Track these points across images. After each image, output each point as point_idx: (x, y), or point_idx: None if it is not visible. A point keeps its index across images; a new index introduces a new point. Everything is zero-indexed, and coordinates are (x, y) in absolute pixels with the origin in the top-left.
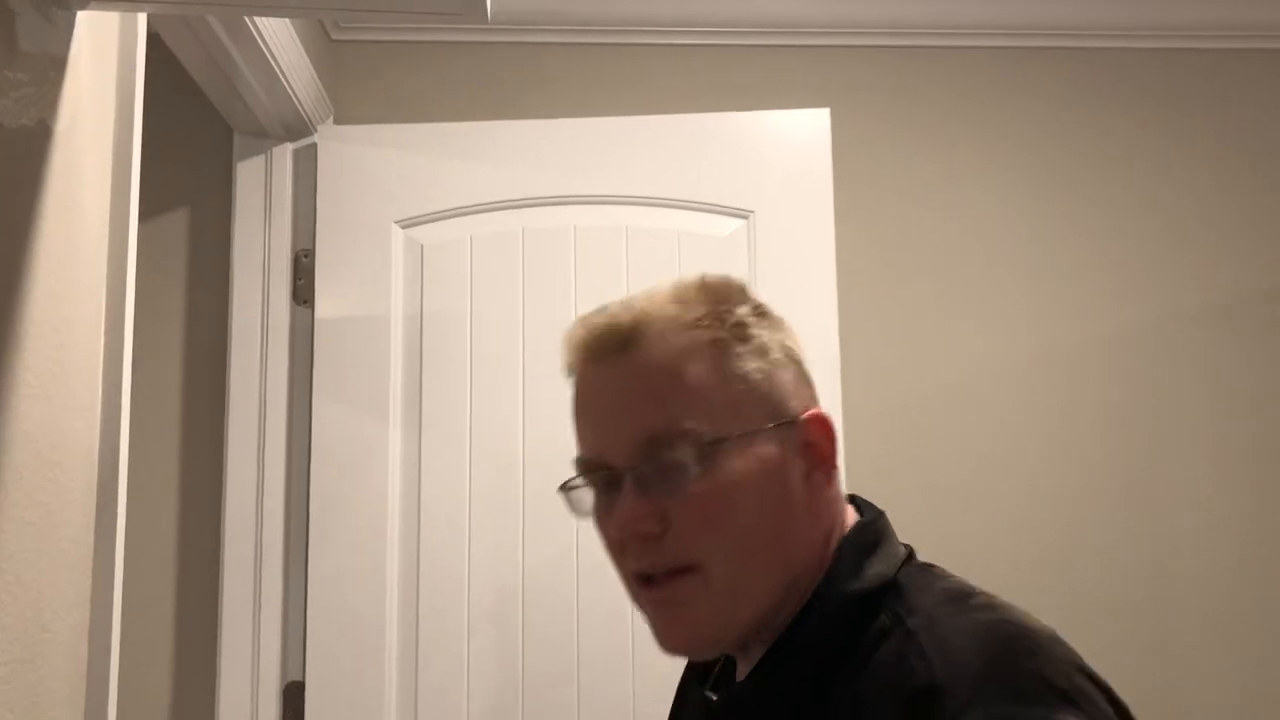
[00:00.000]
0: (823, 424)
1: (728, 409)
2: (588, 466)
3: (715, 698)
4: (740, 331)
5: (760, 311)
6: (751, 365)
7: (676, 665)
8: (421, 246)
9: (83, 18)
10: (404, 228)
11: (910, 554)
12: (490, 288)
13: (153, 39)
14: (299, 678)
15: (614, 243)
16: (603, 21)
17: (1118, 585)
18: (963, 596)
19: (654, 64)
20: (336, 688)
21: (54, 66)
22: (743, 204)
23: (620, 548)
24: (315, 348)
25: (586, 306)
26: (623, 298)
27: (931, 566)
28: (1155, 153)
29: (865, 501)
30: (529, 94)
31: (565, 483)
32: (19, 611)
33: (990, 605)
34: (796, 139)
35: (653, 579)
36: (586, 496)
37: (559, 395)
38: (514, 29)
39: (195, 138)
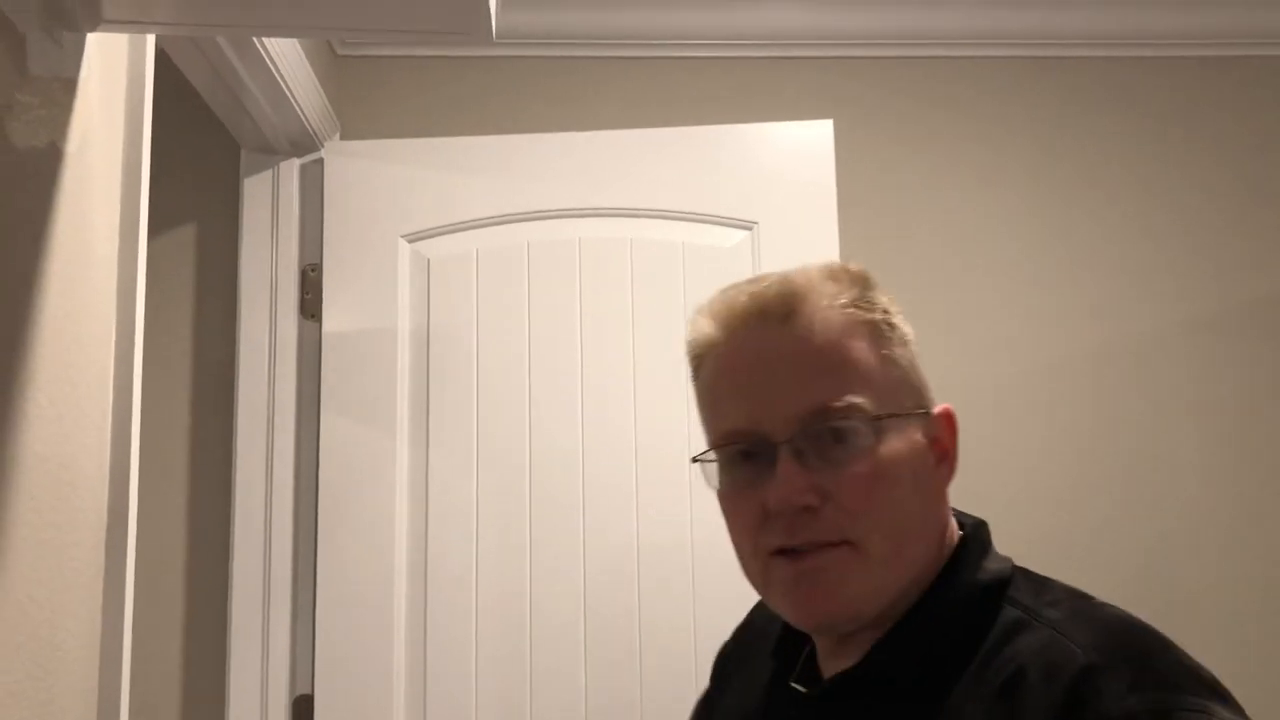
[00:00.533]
0: (950, 421)
1: (887, 389)
2: (732, 437)
3: (805, 689)
4: (888, 318)
5: (894, 303)
6: (899, 351)
7: (683, 672)
8: (428, 260)
9: (92, 40)
10: (410, 242)
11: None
12: (496, 300)
13: (161, 57)
14: (308, 691)
15: (619, 255)
16: (606, 35)
17: (1111, 591)
18: (1085, 596)
19: (658, 77)
20: (345, 700)
21: (64, 89)
22: (747, 215)
23: (762, 520)
24: (323, 362)
25: (592, 318)
26: (773, 273)
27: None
28: (1151, 161)
29: (957, 509)
30: (534, 108)
31: (699, 455)
32: (32, 629)
33: (1112, 605)
34: (800, 150)
35: (794, 550)
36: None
37: (564, 406)
38: (519, 43)
39: (203, 154)
